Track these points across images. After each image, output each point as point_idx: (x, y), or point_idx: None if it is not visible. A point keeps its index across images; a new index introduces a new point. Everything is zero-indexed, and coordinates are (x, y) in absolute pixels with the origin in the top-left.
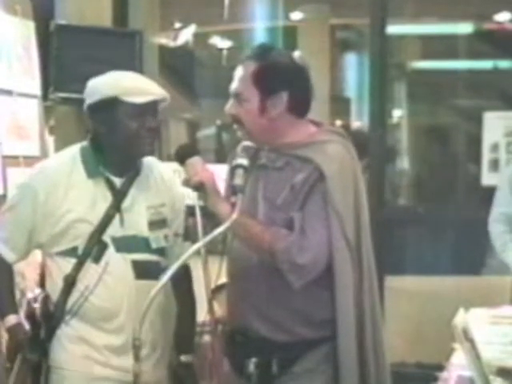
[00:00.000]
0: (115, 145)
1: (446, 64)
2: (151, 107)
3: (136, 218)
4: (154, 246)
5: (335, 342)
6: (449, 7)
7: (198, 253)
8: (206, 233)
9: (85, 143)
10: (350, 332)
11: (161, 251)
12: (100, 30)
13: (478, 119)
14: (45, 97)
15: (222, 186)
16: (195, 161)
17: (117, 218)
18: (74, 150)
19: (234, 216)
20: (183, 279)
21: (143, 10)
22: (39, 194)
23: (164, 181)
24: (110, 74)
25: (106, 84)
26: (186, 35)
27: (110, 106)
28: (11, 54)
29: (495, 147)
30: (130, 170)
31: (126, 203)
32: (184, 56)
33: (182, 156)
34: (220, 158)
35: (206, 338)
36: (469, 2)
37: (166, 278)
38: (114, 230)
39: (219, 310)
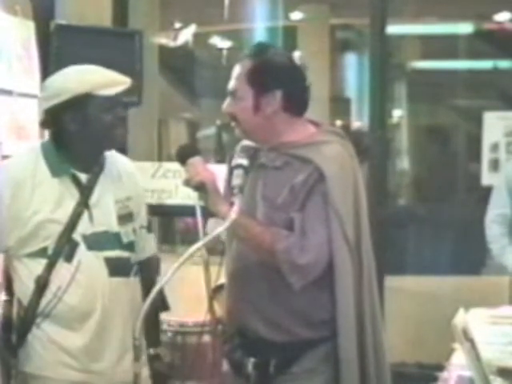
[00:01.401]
0: (88, 140)
1: (445, 64)
2: (120, 97)
3: (105, 214)
4: (124, 240)
5: (335, 342)
6: (449, 7)
7: (197, 253)
8: (205, 233)
9: (44, 141)
10: (350, 332)
11: (130, 246)
12: (100, 29)
13: (478, 119)
14: None
15: (222, 186)
16: (196, 161)
17: (85, 214)
18: (35, 149)
19: (233, 216)
20: (149, 272)
21: (143, 10)
22: (4, 197)
23: (128, 174)
24: (72, 71)
25: (75, 81)
26: (186, 35)
27: (81, 102)
28: (11, 54)
29: (495, 147)
30: (95, 165)
31: (93, 199)
32: (184, 56)
33: (182, 156)
34: (220, 157)
35: (206, 338)
36: (469, 2)
37: (166, 277)
38: (83, 227)
39: (219, 309)
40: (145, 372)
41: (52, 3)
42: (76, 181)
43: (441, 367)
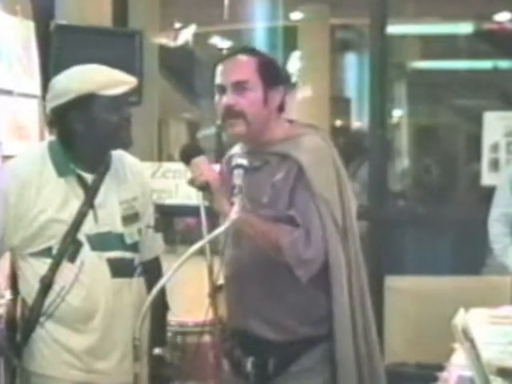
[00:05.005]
0: (94, 140)
1: (445, 64)
2: (126, 97)
3: (110, 214)
4: (128, 241)
5: (333, 341)
6: (449, 7)
7: (198, 252)
8: (210, 233)
9: (52, 140)
10: (346, 328)
11: (134, 247)
12: (100, 29)
13: (478, 119)
14: (45, 97)
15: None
16: (201, 160)
17: (90, 215)
18: (42, 148)
19: (234, 216)
20: (154, 272)
21: (143, 10)
22: (10, 196)
23: (134, 174)
24: (76, 71)
25: (79, 81)
26: (186, 35)
27: (86, 102)
28: (11, 54)
29: (495, 147)
30: (101, 165)
31: (98, 199)
32: (184, 56)
33: (187, 156)
34: (220, 158)
35: (206, 338)
36: (469, 2)
37: (166, 277)
38: (88, 227)
39: (219, 309)
40: (144, 372)
41: (52, 3)
42: (81, 181)
43: (441, 367)
